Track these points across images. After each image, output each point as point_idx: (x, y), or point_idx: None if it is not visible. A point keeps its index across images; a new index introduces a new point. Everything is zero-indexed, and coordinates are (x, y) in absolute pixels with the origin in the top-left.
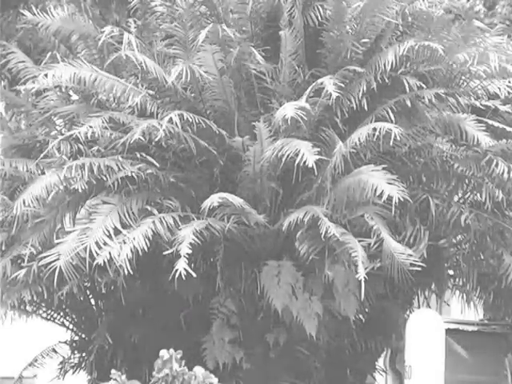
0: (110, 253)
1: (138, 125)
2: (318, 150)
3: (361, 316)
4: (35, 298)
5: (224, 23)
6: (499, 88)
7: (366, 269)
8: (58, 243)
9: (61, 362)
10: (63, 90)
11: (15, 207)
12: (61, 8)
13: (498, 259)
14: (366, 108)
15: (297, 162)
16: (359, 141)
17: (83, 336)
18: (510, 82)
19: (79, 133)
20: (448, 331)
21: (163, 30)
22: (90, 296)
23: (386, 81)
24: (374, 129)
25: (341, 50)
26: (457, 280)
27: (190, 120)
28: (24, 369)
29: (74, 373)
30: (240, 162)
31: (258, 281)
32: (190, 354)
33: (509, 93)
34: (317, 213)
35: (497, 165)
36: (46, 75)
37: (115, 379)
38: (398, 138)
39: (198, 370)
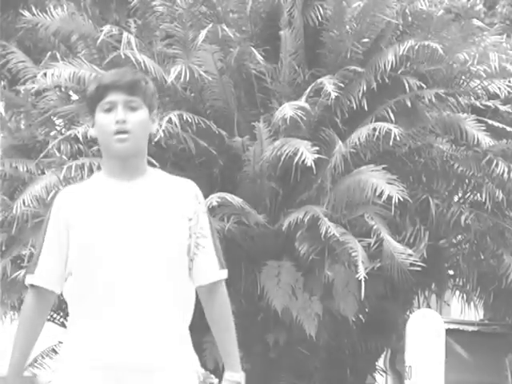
0: None
1: None
2: (317, 148)
3: (361, 316)
4: None
5: (224, 23)
6: (499, 88)
7: (366, 269)
8: None
9: None
10: (63, 89)
11: (15, 207)
12: (60, 8)
13: (497, 259)
14: (366, 108)
15: (295, 161)
16: (359, 141)
17: None
18: (510, 81)
19: (78, 132)
20: (448, 331)
21: (163, 30)
22: None
23: (386, 81)
24: (374, 129)
25: (341, 50)
26: (457, 280)
27: (190, 120)
28: (24, 369)
29: None
30: (240, 162)
31: (257, 281)
32: None
33: (509, 93)
34: (317, 213)
35: (497, 165)
36: (45, 74)
37: None
38: (398, 138)
39: (198, 370)
